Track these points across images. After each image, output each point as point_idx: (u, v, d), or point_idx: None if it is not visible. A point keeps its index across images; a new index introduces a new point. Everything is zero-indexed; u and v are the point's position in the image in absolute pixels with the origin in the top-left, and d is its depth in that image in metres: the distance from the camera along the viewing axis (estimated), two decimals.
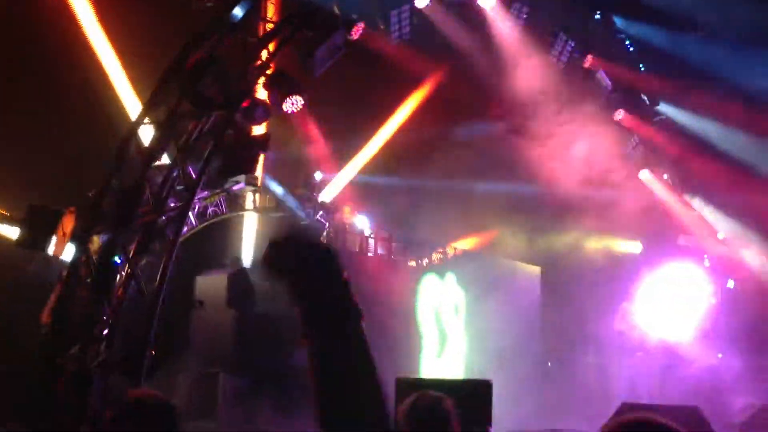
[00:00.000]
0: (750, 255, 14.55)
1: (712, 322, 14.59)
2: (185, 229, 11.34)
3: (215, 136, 9.04)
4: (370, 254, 12.95)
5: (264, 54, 9.45)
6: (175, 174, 9.12)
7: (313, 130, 13.72)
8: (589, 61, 13.16)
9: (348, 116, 14.15)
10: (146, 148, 8.94)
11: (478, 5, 11.75)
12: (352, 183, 14.51)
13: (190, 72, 8.60)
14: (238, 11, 8.90)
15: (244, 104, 9.20)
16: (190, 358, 11.62)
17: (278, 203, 13.41)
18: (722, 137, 13.69)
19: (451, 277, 13.79)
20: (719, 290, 14.73)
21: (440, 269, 13.73)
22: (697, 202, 14.76)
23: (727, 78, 12.69)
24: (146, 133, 9.13)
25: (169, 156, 9.17)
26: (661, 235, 15.21)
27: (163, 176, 9.12)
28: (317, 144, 13.88)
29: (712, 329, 14.48)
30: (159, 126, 8.94)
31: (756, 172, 13.32)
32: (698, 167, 14.21)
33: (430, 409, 3.67)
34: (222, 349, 11.43)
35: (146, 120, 9.03)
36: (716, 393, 12.19)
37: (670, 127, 14.28)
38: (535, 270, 14.77)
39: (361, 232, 13.34)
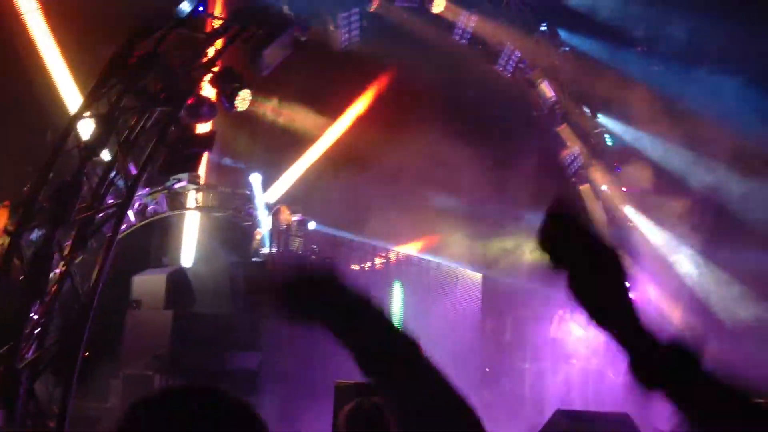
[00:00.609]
0: (681, 263, 15.02)
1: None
2: (124, 226, 11.08)
3: (158, 133, 8.84)
4: (312, 257, 12.85)
5: (211, 51, 9.30)
6: (114, 170, 8.88)
7: (258, 130, 13.57)
8: (533, 72, 13.38)
9: (295, 116, 14.07)
10: (86, 142, 8.68)
11: (427, 11, 11.82)
12: (296, 185, 14.42)
13: (134, 66, 8.39)
14: (185, 6, 8.74)
15: (189, 101, 9.03)
16: (124, 359, 11.35)
17: (220, 202, 13.21)
18: (658, 149, 14.10)
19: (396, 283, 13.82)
20: (653, 297, 15.15)
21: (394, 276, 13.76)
22: (633, 212, 15.15)
23: (662, 91, 13.08)
24: (86, 128, 8.86)
25: (110, 151, 8.93)
26: None
27: (102, 172, 8.87)
28: (261, 144, 13.73)
29: None
30: (100, 120, 8.70)
31: (688, 183, 13.77)
32: (635, 177, 14.60)
33: (370, 415, 3.65)
34: (157, 351, 11.16)
35: (87, 114, 8.77)
36: (647, 399, 12.50)
37: (609, 138, 14.63)
38: (477, 276, 14.93)
39: (304, 234, 13.23)
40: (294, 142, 14.42)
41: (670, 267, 15.19)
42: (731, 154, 13.10)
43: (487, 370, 15.04)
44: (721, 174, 13.43)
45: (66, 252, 8.41)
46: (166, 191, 12.28)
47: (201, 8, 8.88)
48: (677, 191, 13.81)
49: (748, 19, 12.31)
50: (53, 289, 8.40)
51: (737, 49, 12.67)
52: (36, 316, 8.31)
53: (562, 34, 13.73)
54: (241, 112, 9.92)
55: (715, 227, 13.95)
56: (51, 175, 8.46)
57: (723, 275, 14.28)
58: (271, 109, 13.50)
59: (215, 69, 9.29)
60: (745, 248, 13.69)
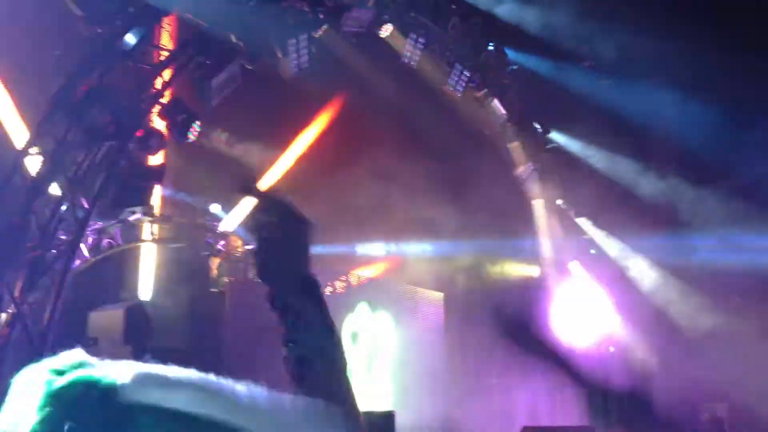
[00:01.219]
0: (639, 273, 15.28)
1: (605, 339, 15.23)
2: (78, 262, 10.91)
3: (107, 167, 8.76)
4: None
5: (159, 82, 9.27)
6: (64, 206, 8.77)
7: (212, 160, 13.49)
8: (483, 91, 13.58)
9: (249, 145, 14.04)
10: (33, 178, 8.55)
11: (375, 35, 11.93)
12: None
13: (80, 100, 8.32)
14: (130, 38, 8.71)
15: (138, 134, 8.98)
16: None
17: (177, 233, 13.07)
18: (608, 161, 14.39)
19: (362, 306, 13.77)
20: (611, 309, 15.38)
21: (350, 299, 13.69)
22: (588, 226, 15.40)
23: (610, 105, 13.40)
24: (33, 164, 8.73)
25: (60, 187, 8.81)
26: (558, 258, 15.76)
27: (51, 208, 8.74)
28: (216, 173, 13.66)
29: (606, 347, 15.13)
30: (47, 156, 8.59)
31: (640, 197, 14.07)
32: (589, 193, 14.86)
33: None
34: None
35: (33, 150, 8.65)
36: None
37: (561, 154, 14.88)
38: (438, 295, 14.97)
39: None
40: (249, 171, 14.36)
41: (627, 278, 15.45)
42: (677, 163, 13.44)
43: (456, 388, 15.03)
44: (669, 183, 13.77)
45: (16, 293, 8.25)
46: (120, 224, 12.13)
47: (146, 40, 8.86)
48: (629, 202, 14.09)
49: (688, 34, 12.70)
50: (4, 332, 8.23)
51: (679, 63, 13.05)
52: None
53: (510, 53, 13.98)
54: (195, 145, 9.91)
55: (667, 236, 14.26)
56: None
57: (680, 285, 14.56)
58: (223, 139, 13.46)
59: (163, 100, 9.27)
60: (697, 255, 14.00)
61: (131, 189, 8.99)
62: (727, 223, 13.41)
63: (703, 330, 13.79)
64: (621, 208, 13.97)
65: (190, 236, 13.24)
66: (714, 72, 12.63)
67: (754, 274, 12.98)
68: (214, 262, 12.74)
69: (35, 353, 8.12)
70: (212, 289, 12.39)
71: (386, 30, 11.91)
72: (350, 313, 13.48)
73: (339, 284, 14.06)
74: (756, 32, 12.79)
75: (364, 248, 14.67)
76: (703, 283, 13.83)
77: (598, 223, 15.15)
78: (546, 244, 15.37)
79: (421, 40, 12.21)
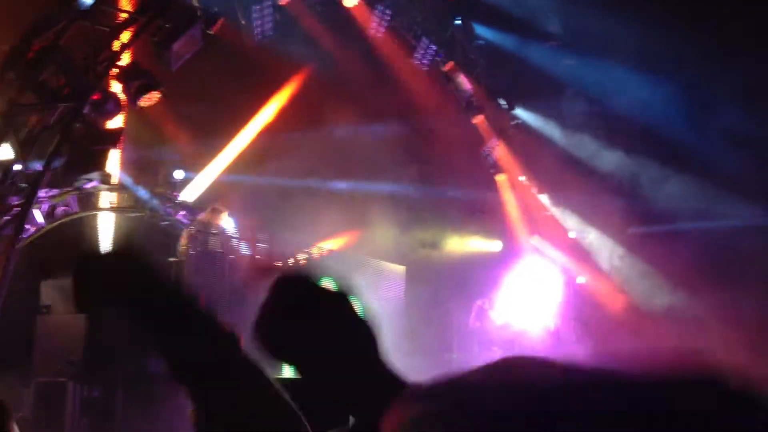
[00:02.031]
0: (598, 252, 15.48)
1: (563, 316, 15.42)
2: (33, 230, 10.65)
3: (62, 130, 8.52)
4: (232, 256, 12.64)
5: (117, 45, 9.02)
6: (16, 170, 8.52)
7: (174, 127, 13.26)
8: (449, 65, 13.51)
9: (211, 114, 13.80)
10: None
11: (341, 5, 11.77)
12: (215, 183, 14.15)
13: (33, 61, 8.06)
14: None
15: (95, 97, 8.73)
16: (35, 367, 10.91)
17: (136, 202, 12.84)
18: (572, 141, 14.47)
19: (324, 279, 13.72)
20: (570, 286, 15.55)
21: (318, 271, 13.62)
22: (550, 203, 15.52)
23: (576, 85, 13.45)
24: None
25: (14, 150, 8.55)
26: (519, 234, 15.87)
27: (3, 172, 8.49)
28: (178, 141, 13.44)
29: (563, 324, 15.32)
30: None
31: (601, 174, 14.19)
32: (551, 170, 14.94)
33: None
34: (70, 358, 10.77)
35: None
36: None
37: (525, 130, 14.93)
38: (400, 269, 14.98)
39: (224, 232, 13.01)
40: (212, 140, 14.16)
41: (587, 254, 15.63)
42: (640, 141, 13.56)
43: (415, 362, 15.10)
44: (631, 161, 13.91)
45: None
46: (77, 192, 11.86)
47: None
48: (590, 179, 14.20)
49: (656, 16, 12.76)
50: None
51: (645, 43, 13.12)
52: None
53: (477, 28, 13.91)
54: (157, 110, 9.69)
55: (627, 214, 14.42)
56: None
57: (639, 264, 14.74)
58: (184, 106, 13.20)
59: (121, 64, 9.02)
60: (658, 234, 14.18)
61: (87, 153, 8.75)
62: (687, 200, 13.60)
63: (659, 308, 14.04)
64: (582, 185, 14.09)
65: (150, 206, 13.01)
66: (678, 51, 12.74)
67: (710, 251, 13.19)
68: (185, 234, 12.52)
69: None
70: (171, 259, 12.20)
71: (352, 0, 11.74)
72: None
73: (301, 257, 13.99)
74: (724, 13, 12.90)
75: (326, 221, 14.59)
76: (660, 260, 14.03)
77: (559, 199, 15.26)
78: (508, 220, 15.46)
79: (387, 11, 12.07)
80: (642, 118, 14.00)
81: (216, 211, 13.03)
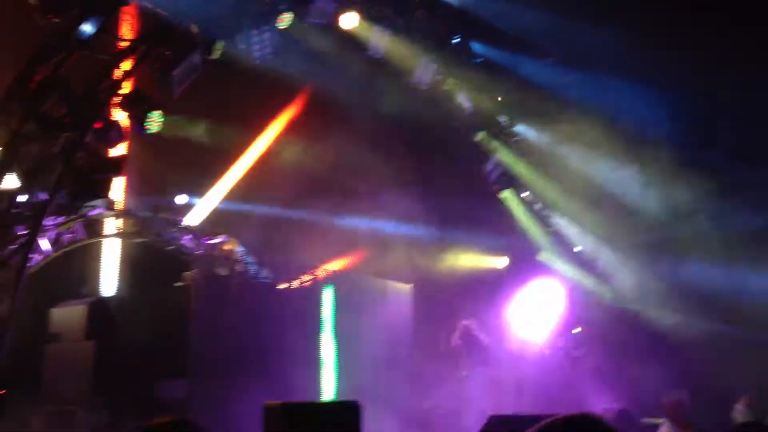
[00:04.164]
0: (605, 267, 15.42)
1: (567, 331, 15.36)
2: (39, 258, 10.72)
3: (65, 159, 8.60)
4: (237, 280, 12.66)
5: (118, 73, 9.12)
6: (21, 199, 8.60)
7: (176, 152, 13.35)
8: (449, 83, 13.59)
9: (213, 138, 13.90)
10: None
11: (339, 29, 11.86)
12: (218, 207, 14.22)
13: (34, 91, 8.16)
14: (87, 27, 8.55)
15: (97, 125, 8.82)
16: (45, 395, 10.93)
17: (141, 227, 12.90)
18: (576, 157, 14.47)
19: (326, 293, 13.74)
20: (575, 301, 15.49)
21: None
22: (554, 219, 15.49)
23: (575, 101, 13.48)
24: None
25: (19, 179, 8.63)
26: (525, 250, 15.84)
27: (7, 202, 8.57)
28: (180, 167, 13.52)
29: (567, 338, 15.26)
30: (2, 148, 8.41)
31: (605, 189, 14.18)
32: (554, 185, 14.95)
33: None
34: (79, 385, 10.79)
35: None
36: (575, 399, 12.76)
37: (527, 147, 14.95)
38: (406, 287, 14.96)
39: (230, 255, 13.04)
40: (213, 164, 14.25)
41: (594, 269, 15.57)
42: (641, 156, 13.57)
43: (422, 379, 15.03)
44: (626, 174, 13.90)
45: None
46: (82, 219, 11.94)
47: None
48: (595, 194, 14.19)
49: (653, 29, 12.82)
50: None
51: (643, 56, 13.17)
52: None
53: (475, 46, 13.99)
54: (160, 136, 9.76)
55: (633, 227, 14.38)
56: None
57: (649, 283, 14.60)
58: (188, 131, 13.32)
59: (123, 92, 9.12)
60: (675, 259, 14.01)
61: (90, 181, 8.82)
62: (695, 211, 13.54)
63: (665, 327, 13.90)
64: (587, 199, 14.09)
65: (155, 231, 13.08)
66: (679, 65, 12.78)
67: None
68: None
69: None
70: (176, 284, 12.23)
71: (349, 22, 11.84)
72: (318, 306, 13.42)
73: (306, 277, 14.01)
74: (724, 28, 12.96)
75: (330, 243, 14.61)
76: (676, 284, 13.87)
77: (564, 215, 15.25)
78: (513, 236, 15.44)
79: (386, 32, 12.16)
80: (643, 132, 14.02)
81: (230, 242, 13.11)
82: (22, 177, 8.52)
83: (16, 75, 8.30)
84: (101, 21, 8.72)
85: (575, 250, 15.45)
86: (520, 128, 14.82)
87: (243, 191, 14.02)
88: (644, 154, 13.41)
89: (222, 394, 10.77)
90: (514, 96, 14.00)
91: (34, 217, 8.57)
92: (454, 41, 13.32)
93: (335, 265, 14.47)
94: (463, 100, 13.97)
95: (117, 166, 8.96)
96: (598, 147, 13.76)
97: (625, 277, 14.70)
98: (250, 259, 13.34)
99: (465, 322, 14.15)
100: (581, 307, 15.17)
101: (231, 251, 13.31)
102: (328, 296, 13.64)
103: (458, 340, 14.10)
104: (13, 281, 8.31)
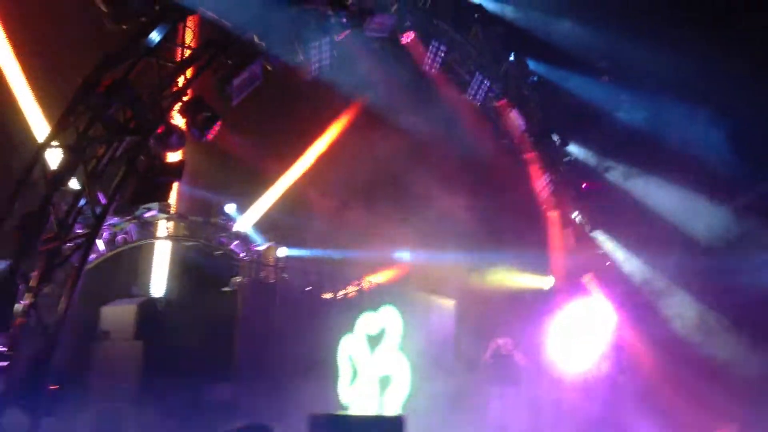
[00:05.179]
0: (651, 289, 15.17)
1: (612, 355, 15.11)
2: (93, 256, 10.97)
3: (127, 162, 8.79)
4: (283, 287, 12.78)
5: (180, 80, 9.31)
6: (83, 200, 8.80)
7: (230, 159, 13.57)
8: (503, 101, 13.55)
9: (267, 146, 14.10)
10: (53, 172, 8.60)
11: (397, 42, 11.93)
12: (267, 214, 14.40)
13: (102, 95, 8.37)
14: (154, 35, 8.75)
15: (159, 130, 9.00)
16: (94, 392, 11.14)
17: (192, 231, 13.12)
18: (627, 178, 14.31)
19: (387, 308, 13.76)
20: (622, 324, 15.25)
21: (371, 304, 13.66)
22: (604, 240, 15.31)
23: (628, 120, 13.36)
24: (54, 157, 8.79)
25: (78, 181, 8.85)
26: (571, 271, 15.68)
27: (70, 202, 8.78)
28: (233, 173, 13.74)
29: (612, 362, 15.01)
30: (67, 149, 8.63)
31: (658, 212, 13.98)
32: (605, 206, 14.79)
33: None
34: (128, 383, 10.98)
35: (54, 143, 8.71)
36: (615, 425, 12.57)
37: (579, 167, 14.83)
38: (449, 303, 14.93)
39: (276, 263, 13.17)
40: (266, 171, 14.43)
41: (644, 293, 15.33)
42: (694, 178, 13.35)
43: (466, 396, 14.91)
44: (685, 198, 13.68)
45: (32, 283, 8.28)
46: (135, 220, 12.20)
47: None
48: (644, 219, 14.00)
49: (710, 52, 12.66)
50: (20, 321, 8.26)
51: (699, 79, 13.00)
52: (2, 348, 8.16)
53: (531, 64, 13.96)
54: (213, 143, 9.94)
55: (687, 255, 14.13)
56: (16, 205, 8.36)
57: (704, 311, 14.30)
58: (242, 138, 13.52)
59: (185, 98, 9.30)
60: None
61: (149, 185, 8.99)
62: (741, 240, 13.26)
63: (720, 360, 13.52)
64: (639, 224, 13.90)
65: (205, 235, 13.29)
66: (733, 87, 12.59)
67: None
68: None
69: (49, 344, 8.16)
70: (224, 289, 12.40)
71: (408, 36, 11.91)
72: (362, 317, 13.45)
73: (351, 289, 14.07)
74: None
75: (377, 254, 14.66)
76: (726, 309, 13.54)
77: (613, 237, 15.06)
78: (560, 257, 15.30)
79: (442, 47, 12.19)
80: (697, 154, 13.81)
81: (272, 248, 13.24)
82: (85, 179, 8.73)
83: (84, 78, 8.52)
84: (168, 29, 8.92)
85: (624, 272, 15.24)
86: (572, 148, 14.72)
87: (293, 200, 14.17)
88: (700, 178, 13.18)
89: (267, 400, 10.86)
90: (568, 115, 13.92)
91: (94, 219, 8.76)
92: (509, 59, 13.30)
93: (380, 277, 14.51)
94: (516, 117, 13.92)
95: (178, 171, 9.12)
96: (652, 169, 13.60)
97: (678, 305, 14.42)
98: (296, 267, 13.45)
99: (499, 341, 14.08)
100: (628, 331, 14.93)
101: (278, 258, 13.45)
102: (391, 313, 13.67)
103: (489, 358, 14.04)
104: (72, 280, 8.50)
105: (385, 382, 13.34)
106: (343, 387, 12.65)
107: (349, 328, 13.12)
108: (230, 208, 13.59)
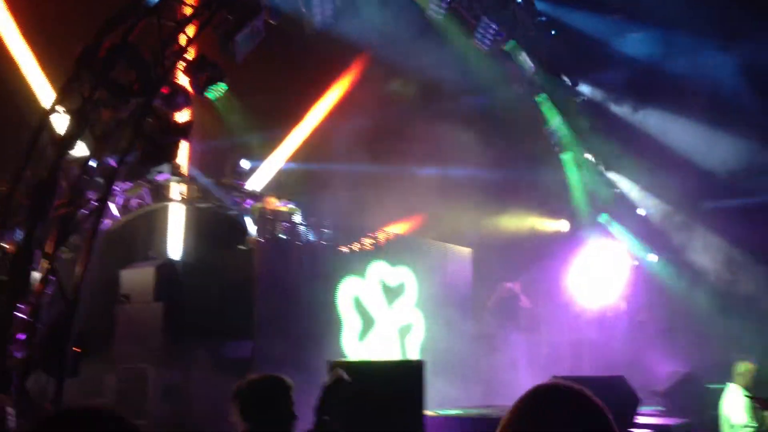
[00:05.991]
0: (669, 230, 15.08)
1: (631, 294, 15.11)
2: (109, 222, 11.05)
3: (134, 125, 8.76)
4: (298, 243, 12.81)
5: (182, 38, 9.20)
6: (92, 164, 8.81)
7: (239, 118, 13.51)
8: (511, 44, 13.32)
9: (275, 103, 14.00)
10: (60, 137, 8.60)
11: None
12: (281, 170, 14.38)
13: (104, 58, 8.30)
14: None
15: (164, 91, 8.94)
16: (117, 353, 11.33)
17: (205, 193, 13.14)
18: (639, 116, 14.09)
19: (403, 268, 13.74)
20: (640, 264, 15.22)
21: (383, 255, 13.61)
22: (619, 180, 15.18)
23: (641, 58, 13.09)
24: (60, 122, 8.78)
25: (88, 146, 8.85)
26: (586, 213, 15.61)
27: (79, 167, 8.79)
28: (243, 132, 13.68)
29: (632, 302, 15.02)
30: (73, 115, 8.61)
31: (674, 151, 13.80)
32: (620, 146, 14.62)
33: None
34: (150, 344, 11.15)
35: (59, 108, 8.69)
36: (637, 363, 12.62)
37: (591, 107, 14.63)
38: (466, 251, 14.93)
39: (290, 219, 13.18)
40: (276, 128, 14.37)
41: (658, 232, 15.25)
42: (708, 112, 13.12)
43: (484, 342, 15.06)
44: (699, 133, 13.48)
45: (48, 249, 8.36)
46: (149, 184, 12.23)
47: None
48: (660, 155, 13.83)
49: None
50: (39, 288, 8.36)
51: (713, 12, 12.66)
52: (23, 315, 8.27)
53: (538, 4, 13.67)
54: (223, 103, 9.87)
55: (700, 189, 13.97)
56: (27, 172, 8.39)
57: (716, 241, 14.16)
58: (247, 96, 13.42)
59: (188, 57, 9.21)
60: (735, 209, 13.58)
61: (159, 146, 8.97)
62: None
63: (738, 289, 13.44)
64: (652, 160, 13.74)
65: (218, 196, 13.31)
66: (747, 18, 12.26)
67: None
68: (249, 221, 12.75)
69: (69, 309, 8.27)
70: (240, 247, 12.45)
71: None
72: (374, 263, 13.44)
73: (367, 241, 14.08)
74: None
75: (391, 206, 14.62)
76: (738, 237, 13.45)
77: (627, 175, 14.92)
78: (574, 198, 15.21)
79: None
80: (711, 88, 13.55)
81: (280, 199, 13.21)
82: (93, 143, 8.72)
83: (86, 43, 8.45)
84: None
85: (638, 212, 15.14)
86: (583, 88, 14.49)
87: (305, 154, 14.11)
88: (718, 115, 12.95)
89: (287, 354, 10.99)
90: (578, 55, 13.67)
91: (105, 183, 8.79)
92: (517, 0, 13.03)
93: (396, 228, 14.51)
94: (525, 60, 13.69)
95: (184, 130, 9.08)
96: (666, 104, 13.38)
97: (696, 242, 14.32)
98: (311, 222, 13.46)
99: (507, 285, 14.09)
100: (645, 270, 14.90)
101: (293, 214, 13.46)
102: (408, 272, 13.61)
103: (494, 302, 14.10)
104: (86, 245, 8.56)
105: (404, 331, 13.43)
106: (349, 340, 12.54)
107: (359, 274, 13.07)
108: (245, 164, 13.57)
